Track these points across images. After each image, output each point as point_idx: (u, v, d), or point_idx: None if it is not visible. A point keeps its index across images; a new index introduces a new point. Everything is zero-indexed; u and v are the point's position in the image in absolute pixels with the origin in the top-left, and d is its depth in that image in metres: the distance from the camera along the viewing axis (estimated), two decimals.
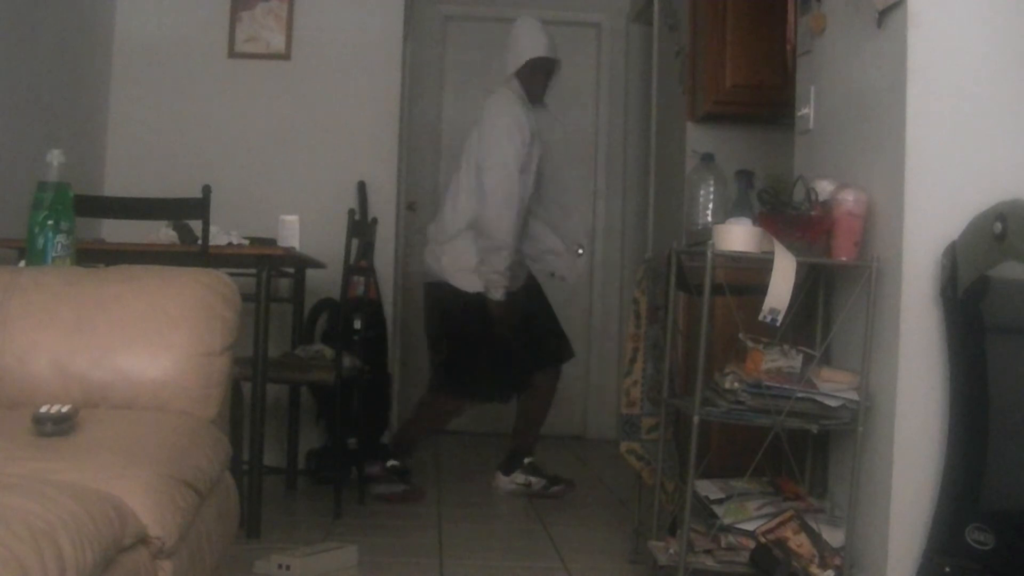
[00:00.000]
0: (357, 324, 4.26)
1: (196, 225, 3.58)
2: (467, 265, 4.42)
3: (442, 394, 4.62)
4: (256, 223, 4.32)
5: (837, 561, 2.74)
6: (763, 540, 2.79)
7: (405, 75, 5.49)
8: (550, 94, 4.67)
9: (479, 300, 4.42)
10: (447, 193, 4.64)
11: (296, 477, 4.54)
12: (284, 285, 4.57)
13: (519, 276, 4.59)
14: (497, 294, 4.38)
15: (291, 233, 4.04)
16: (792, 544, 2.77)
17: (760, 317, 2.73)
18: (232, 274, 2.42)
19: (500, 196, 4.34)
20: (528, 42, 4.52)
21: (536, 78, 4.54)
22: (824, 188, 2.85)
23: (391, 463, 4.46)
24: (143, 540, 1.60)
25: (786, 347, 2.86)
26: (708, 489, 2.99)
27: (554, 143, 5.46)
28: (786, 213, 2.84)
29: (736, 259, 2.95)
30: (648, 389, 3.28)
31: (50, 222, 2.36)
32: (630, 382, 3.32)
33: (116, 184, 4.90)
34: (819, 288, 3.06)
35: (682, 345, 3.36)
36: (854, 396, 2.76)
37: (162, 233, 3.77)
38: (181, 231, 3.75)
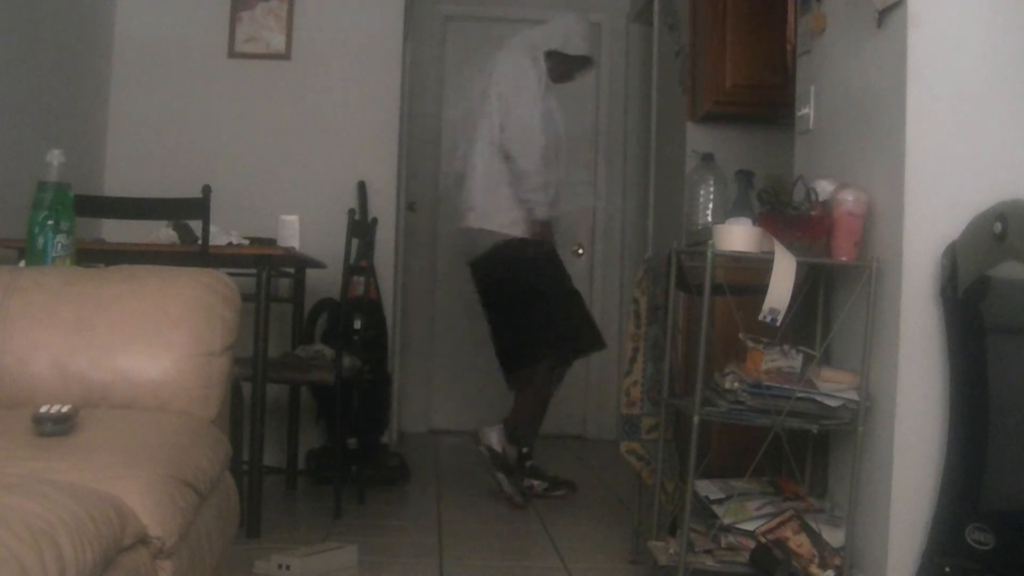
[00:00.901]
0: (357, 324, 4.26)
1: (196, 225, 3.58)
2: (506, 211, 4.48)
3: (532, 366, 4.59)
4: (256, 223, 4.32)
5: (837, 561, 2.74)
6: (763, 540, 2.79)
7: (405, 75, 5.49)
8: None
9: (526, 245, 4.48)
10: (467, 167, 4.64)
11: (296, 477, 4.55)
12: (284, 285, 4.57)
13: (551, 235, 4.62)
14: (540, 213, 4.47)
15: (291, 233, 4.04)
16: (792, 544, 2.77)
17: (760, 317, 2.73)
18: (232, 274, 2.42)
19: (528, 153, 4.43)
20: (583, 41, 4.63)
21: (570, 72, 4.68)
22: (824, 188, 2.85)
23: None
24: (143, 540, 1.60)
25: (786, 347, 2.86)
26: (708, 489, 2.99)
27: None
28: (786, 213, 2.84)
29: (736, 259, 2.95)
30: (648, 389, 3.28)
31: (50, 222, 2.36)
32: (630, 382, 3.32)
33: (116, 184, 4.90)
34: (819, 288, 3.06)
35: (682, 345, 3.36)
36: (854, 396, 2.76)
37: (162, 233, 3.77)
38: (181, 231, 3.75)
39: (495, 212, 4.49)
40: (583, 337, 4.69)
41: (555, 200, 4.60)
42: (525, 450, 4.61)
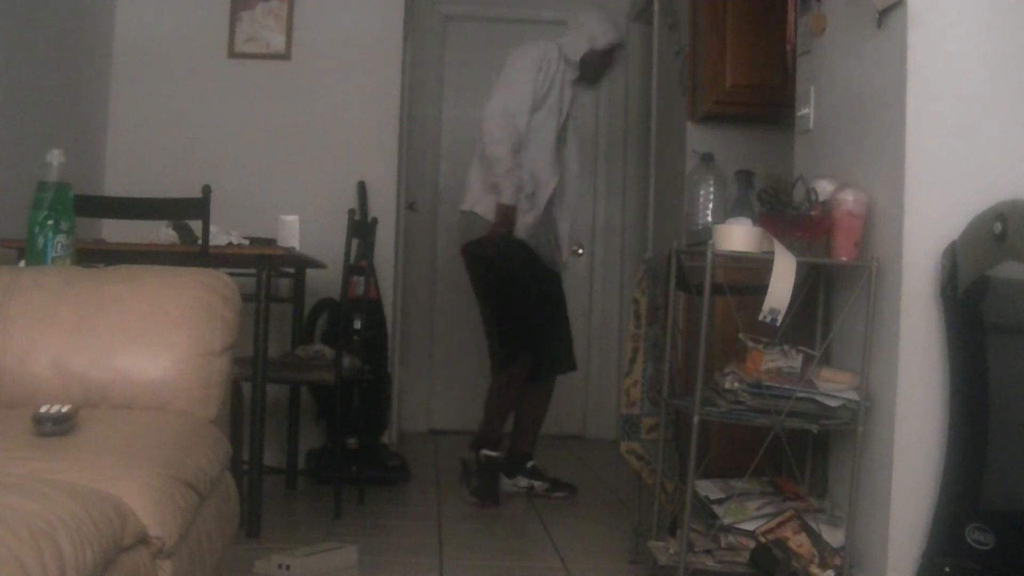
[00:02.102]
0: (357, 324, 4.26)
1: (196, 225, 3.58)
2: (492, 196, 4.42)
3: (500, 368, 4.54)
4: (256, 223, 4.32)
5: (837, 561, 2.75)
6: (763, 540, 2.79)
7: (405, 75, 5.49)
8: None
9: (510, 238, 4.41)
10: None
11: (296, 477, 4.55)
12: (284, 285, 4.57)
13: (544, 246, 4.54)
14: (505, 197, 4.36)
15: (291, 233, 4.04)
16: (792, 544, 2.77)
17: (760, 317, 2.73)
18: (232, 274, 2.42)
19: (496, 132, 4.35)
20: (606, 29, 4.55)
21: (606, 65, 4.62)
22: (824, 188, 2.85)
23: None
24: (143, 540, 1.59)
25: (786, 347, 2.86)
26: (708, 489, 2.99)
27: None
28: (786, 213, 2.84)
29: (736, 259, 2.95)
30: (648, 389, 3.28)
31: (50, 222, 2.35)
32: (630, 382, 3.32)
33: (116, 184, 4.90)
34: (819, 288, 3.06)
35: (682, 345, 3.36)
36: (854, 396, 2.76)
37: (162, 233, 3.77)
38: (181, 231, 3.75)
39: (483, 196, 4.45)
40: (557, 353, 4.62)
41: (536, 193, 4.48)
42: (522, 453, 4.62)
